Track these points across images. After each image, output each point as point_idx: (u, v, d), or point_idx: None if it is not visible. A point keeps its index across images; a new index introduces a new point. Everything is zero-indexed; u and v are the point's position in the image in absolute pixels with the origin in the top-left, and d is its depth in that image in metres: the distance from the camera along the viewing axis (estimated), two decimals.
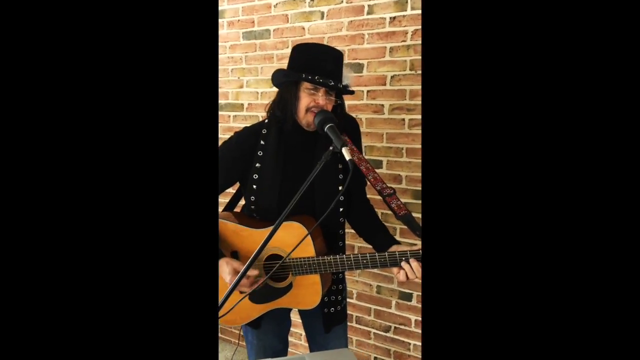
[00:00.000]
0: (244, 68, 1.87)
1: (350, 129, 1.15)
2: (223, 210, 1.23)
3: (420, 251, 0.91)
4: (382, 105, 1.57)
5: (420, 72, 1.46)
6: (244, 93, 1.90)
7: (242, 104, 1.91)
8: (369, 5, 1.53)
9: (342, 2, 1.58)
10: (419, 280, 0.92)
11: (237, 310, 1.08)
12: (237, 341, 2.07)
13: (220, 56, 1.93)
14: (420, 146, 1.50)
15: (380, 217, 1.58)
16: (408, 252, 0.91)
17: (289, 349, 1.97)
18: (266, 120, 1.10)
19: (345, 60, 1.60)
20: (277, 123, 1.06)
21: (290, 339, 1.96)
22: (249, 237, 1.05)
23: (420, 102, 1.47)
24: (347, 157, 0.84)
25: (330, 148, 0.87)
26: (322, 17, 1.63)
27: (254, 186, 1.07)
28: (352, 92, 1.08)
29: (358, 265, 0.95)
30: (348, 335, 1.79)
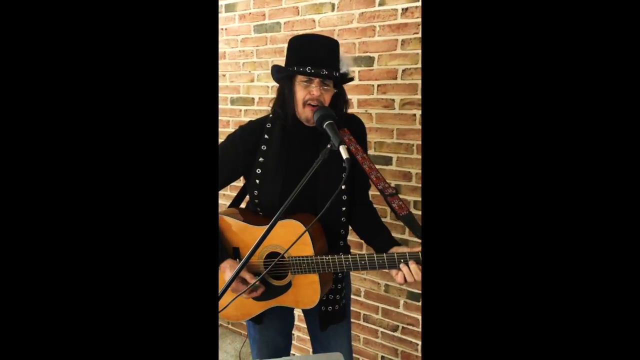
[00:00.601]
0: (255, 62, 1.86)
1: (354, 127, 1.12)
2: (229, 207, 1.23)
3: (420, 253, 0.88)
4: (393, 100, 1.52)
5: None
6: (254, 87, 1.89)
7: (253, 98, 1.90)
8: None
9: None
10: (416, 280, 0.89)
11: (238, 307, 1.08)
12: (246, 333, 2.09)
13: (231, 50, 1.93)
14: None
15: (386, 217, 1.55)
16: (407, 254, 0.88)
17: (297, 345, 1.98)
18: (270, 115, 1.09)
19: (356, 54, 1.56)
20: (279, 120, 1.05)
21: (298, 334, 1.97)
22: (251, 234, 1.04)
23: None
24: (344, 155, 0.82)
25: (328, 146, 0.85)
26: (333, 9, 1.59)
27: (257, 181, 1.06)
28: (350, 80, 1.05)
29: (356, 266, 0.93)
30: (356, 333, 1.78)
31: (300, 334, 1.94)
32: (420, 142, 1.50)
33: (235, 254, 1.07)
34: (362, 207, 1.14)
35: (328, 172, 1.03)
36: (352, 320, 1.78)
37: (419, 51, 1.44)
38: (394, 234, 1.09)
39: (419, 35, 1.43)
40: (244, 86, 1.93)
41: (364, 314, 1.75)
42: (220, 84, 2.01)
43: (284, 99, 1.01)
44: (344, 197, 1.07)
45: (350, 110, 1.58)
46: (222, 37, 1.95)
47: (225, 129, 2.02)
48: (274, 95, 1.09)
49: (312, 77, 0.97)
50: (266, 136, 1.06)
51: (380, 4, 1.49)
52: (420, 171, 1.52)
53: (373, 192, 1.15)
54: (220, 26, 1.94)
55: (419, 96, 1.47)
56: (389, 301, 1.67)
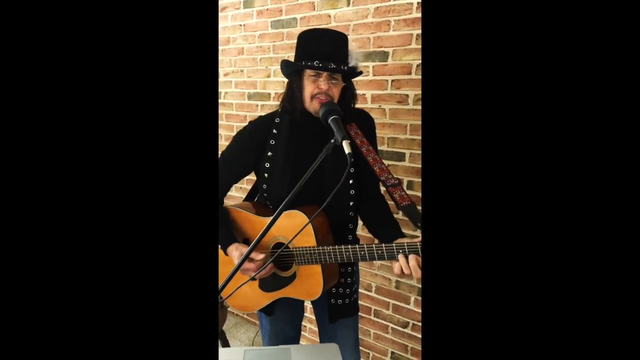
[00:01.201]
0: (272, 57, 1.88)
1: (363, 121, 1.12)
2: (244, 200, 1.27)
3: (418, 244, 0.87)
4: (407, 96, 1.51)
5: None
6: (271, 82, 1.92)
7: (269, 94, 1.93)
8: None
9: None
10: (414, 276, 0.88)
11: (248, 297, 1.11)
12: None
13: (249, 45, 1.96)
14: None
15: (398, 212, 1.54)
16: (405, 245, 0.88)
17: (308, 336, 2.00)
18: (279, 110, 1.11)
19: (370, 49, 1.56)
20: (287, 114, 1.06)
21: (310, 326, 1.99)
22: (261, 226, 1.07)
23: None
24: (347, 150, 0.82)
25: (332, 141, 0.86)
26: (348, 4, 1.59)
27: (266, 175, 1.09)
28: (359, 74, 1.05)
29: (355, 256, 0.94)
30: (366, 328, 1.78)
31: (313, 327, 1.97)
32: None
33: (247, 244, 1.10)
34: (371, 200, 1.14)
35: (335, 166, 1.03)
36: (362, 315, 1.79)
37: None
38: (404, 230, 1.08)
39: None
40: (261, 82, 1.96)
41: (374, 309, 1.75)
42: (238, 79, 2.05)
43: (293, 94, 1.03)
44: (352, 192, 1.08)
45: (364, 106, 1.60)
46: (240, 33, 1.98)
47: (242, 123, 2.06)
48: None
49: (320, 71, 0.97)
50: (275, 131, 1.08)
51: None
52: None
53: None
54: (239, 22, 1.98)
55: None
56: (399, 297, 1.66)
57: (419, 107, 1.49)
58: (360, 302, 1.79)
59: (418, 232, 1.56)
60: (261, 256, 1.00)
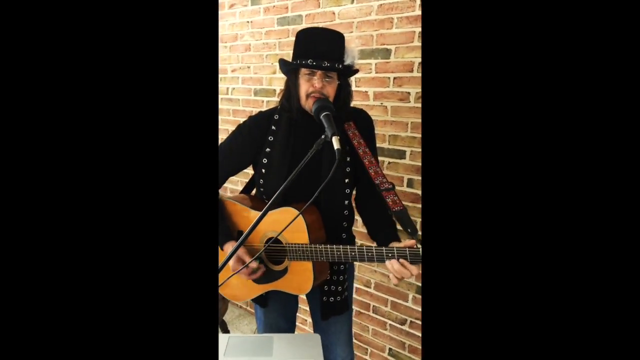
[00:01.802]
0: (277, 54, 1.90)
1: (361, 121, 1.12)
2: (240, 192, 1.29)
3: (407, 250, 0.88)
4: (409, 93, 1.51)
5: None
6: (276, 79, 1.94)
7: (275, 90, 1.95)
8: None
9: None
10: (397, 281, 0.90)
11: (240, 287, 1.14)
12: None
13: (255, 42, 1.98)
14: None
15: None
16: (395, 249, 0.89)
17: (307, 329, 2.02)
18: (278, 107, 1.12)
19: (373, 46, 1.56)
20: (285, 112, 1.08)
21: (309, 319, 2.02)
22: (254, 219, 1.09)
23: None
24: (336, 146, 0.84)
25: (322, 137, 0.87)
26: (352, 2, 1.59)
27: (263, 170, 1.11)
28: (355, 72, 1.05)
29: (346, 257, 0.95)
30: (365, 324, 1.80)
31: (310, 319, 1.99)
32: None
33: (239, 236, 1.12)
34: (372, 200, 1.13)
35: (331, 163, 1.05)
36: (362, 311, 1.81)
37: None
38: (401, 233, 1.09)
39: None
40: (267, 78, 1.98)
41: (373, 306, 1.76)
42: (244, 75, 2.08)
43: (289, 92, 1.04)
44: (347, 191, 1.09)
45: (365, 103, 1.60)
46: (247, 30, 2.01)
47: None
48: None
49: (314, 70, 0.99)
50: (273, 127, 1.10)
51: None
52: None
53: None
54: (246, 19, 2.00)
55: None
56: (398, 294, 1.67)
57: (420, 105, 1.49)
58: (359, 298, 1.81)
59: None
60: (254, 264, 1.03)
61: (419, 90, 1.48)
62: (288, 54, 1.85)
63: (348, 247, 0.95)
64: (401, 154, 1.56)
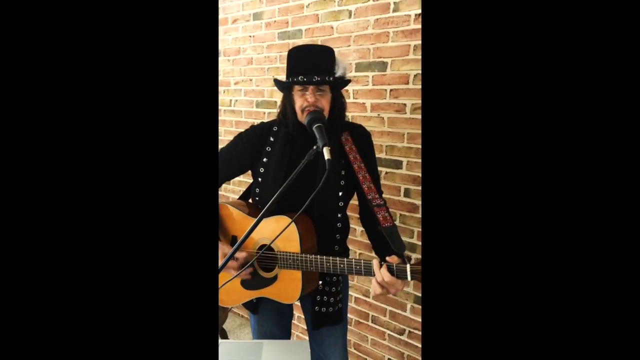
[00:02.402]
0: (278, 67, 1.95)
1: (357, 135, 1.14)
2: (239, 198, 1.32)
3: (395, 265, 0.90)
4: (405, 105, 1.54)
5: None
6: (277, 91, 1.97)
7: (276, 102, 2.00)
8: (394, 3, 1.51)
9: (369, 0, 1.58)
10: (379, 291, 0.91)
11: (229, 292, 1.16)
12: None
13: (257, 56, 2.04)
14: None
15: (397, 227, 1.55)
16: (383, 264, 0.90)
17: (304, 338, 2.02)
18: (278, 120, 1.16)
19: (370, 59, 1.60)
20: (283, 127, 1.12)
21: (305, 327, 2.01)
22: (248, 226, 1.12)
23: None
24: (326, 156, 0.86)
25: (314, 147, 0.90)
26: (350, 16, 1.64)
27: (260, 179, 1.14)
28: (346, 83, 1.08)
29: (335, 268, 0.96)
30: (364, 334, 1.80)
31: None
32: None
33: (233, 241, 1.15)
34: (367, 216, 1.15)
35: (323, 174, 1.07)
36: (361, 320, 1.81)
37: None
38: (403, 237, 1.09)
39: None
40: (268, 90, 2.03)
41: (372, 315, 1.77)
42: (247, 87, 2.14)
43: (285, 108, 1.08)
44: (340, 204, 1.10)
45: (363, 114, 1.64)
46: (250, 44, 2.07)
47: None
48: None
49: (306, 85, 1.02)
50: (271, 138, 1.13)
51: (394, 10, 1.52)
52: None
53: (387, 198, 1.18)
54: (249, 33, 2.07)
55: None
56: (396, 304, 1.67)
57: (416, 116, 1.52)
58: (357, 307, 1.81)
59: (415, 239, 1.57)
60: (243, 254, 1.05)
61: (415, 101, 1.51)
62: None
63: (337, 258, 0.96)
64: (398, 164, 1.58)
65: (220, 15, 2.19)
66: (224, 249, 1.08)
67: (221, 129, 2.32)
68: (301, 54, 1.05)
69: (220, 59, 2.23)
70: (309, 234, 1.05)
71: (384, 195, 1.15)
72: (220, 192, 2.25)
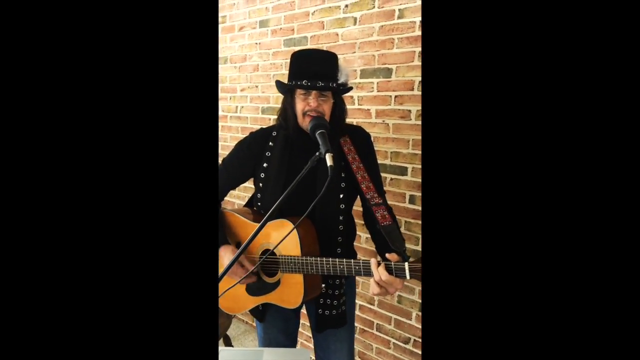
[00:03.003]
0: (284, 74, 1.96)
1: (357, 137, 1.14)
2: (244, 206, 1.32)
3: (393, 263, 0.89)
4: (409, 111, 1.53)
5: None
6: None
7: None
8: (399, 10, 1.51)
9: (374, 7, 1.58)
10: (377, 291, 0.90)
11: (235, 299, 1.16)
12: None
13: (263, 62, 2.06)
14: None
15: (401, 227, 1.55)
16: (383, 263, 0.90)
17: (310, 346, 2.00)
18: (277, 124, 1.16)
19: (375, 65, 1.60)
20: (282, 130, 1.12)
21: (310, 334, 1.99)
22: (252, 231, 1.12)
23: None
24: (329, 162, 0.86)
25: (317, 153, 0.90)
26: (355, 23, 1.65)
27: (261, 185, 1.14)
28: (349, 90, 1.08)
29: (335, 269, 0.96)
30: (369, 342, 1.78)
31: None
32: None
33: (239, 247, 1.15)
34: (368, 216, 1.15)
35: (325, 179, 1.07)
36: (366, 329, 1.79)
37: None
38: (407, 245, 1.08)
39: None
40: (274, 96, 2.04)
41: (377, 324, 1.75)
42: (253, 94, 2.15)
43: (286, 111, 1.08)
44: (342, 206, 1.10)
45: (368, 120, 1.63)
46: (256, 51, 2.09)
47: None
48: None
49: (309, 90, 1.02)
50: (271, 144, 1.14)
51: (399, 17, 1.52)
52: None
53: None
54: (255, 40, 2.08)
55: None
56: (401, 312, 1.65)
57: (421, 123, 1.51)
58: (363, 315, 1.79)
59: (417, 246, 1.56)
60: (250, 265, 1.05)
61: (420, 108, 1.51)
62: None
63: (337, 260, 0.96)
64: (403, 171, 1.57)
65: (227, 23, 2.22)
66: (229, 256, 1.08)
67: (227, 135, 2.34)
68: (305, 57, 1.05)
69: (227, 66, 2.26)
70: (310, 237, 1.05)
71: (389, 202, 1.15)
72: (226, 198, 2.26)
